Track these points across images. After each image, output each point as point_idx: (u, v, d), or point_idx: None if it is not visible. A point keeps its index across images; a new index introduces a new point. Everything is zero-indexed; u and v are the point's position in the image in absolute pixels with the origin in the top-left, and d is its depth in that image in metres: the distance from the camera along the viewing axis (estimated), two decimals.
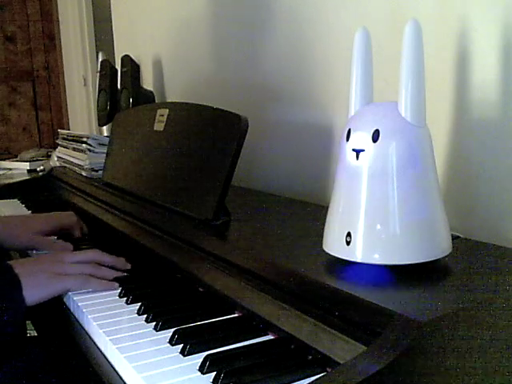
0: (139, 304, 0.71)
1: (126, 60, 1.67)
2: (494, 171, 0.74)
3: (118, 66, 1.73)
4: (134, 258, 0.90)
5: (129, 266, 0.86)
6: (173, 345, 0.60)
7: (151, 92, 1.74)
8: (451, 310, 0.49)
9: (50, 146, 2.74)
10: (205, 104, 0.95)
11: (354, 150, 0.59)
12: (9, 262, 0.80)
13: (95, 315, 0.70)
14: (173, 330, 0.62)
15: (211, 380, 0.52)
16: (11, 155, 2.61)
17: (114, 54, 2.15)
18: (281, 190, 1.12)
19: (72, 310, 0.76)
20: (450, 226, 0.61)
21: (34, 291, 0.75)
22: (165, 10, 1.70)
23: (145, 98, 1.66)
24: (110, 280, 0.81)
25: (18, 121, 3.77)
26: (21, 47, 3.77)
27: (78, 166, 1.46)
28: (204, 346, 0.59)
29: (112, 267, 0.84)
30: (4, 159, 2.39)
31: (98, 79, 1.83)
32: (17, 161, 2.31)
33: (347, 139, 0.60)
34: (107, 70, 1.74)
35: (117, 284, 0.79)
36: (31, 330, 0.87)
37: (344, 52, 0.96)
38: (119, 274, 0.83)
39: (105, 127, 1.85)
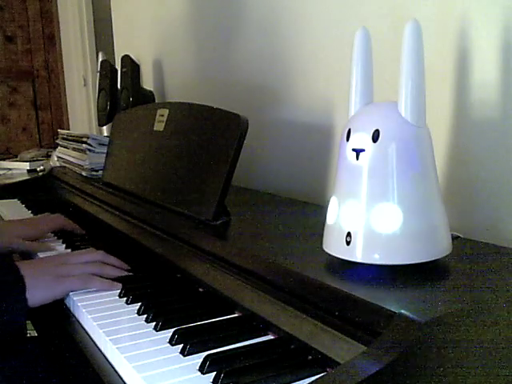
0: (139, 304, 0.71)
1: (126, 60, 1.68)
2: (493, 171, 0.74)
3: (118, 66, 1.73)
4: (134, 258, 0.90)
5: (125, 273, 0.85)
6: (173, 345, 0.60)
7: (151, 92, 1.74)
8: (451, 310, 0.49)
9: (50, 146, 2.74)
10: (205, 104, 0.95)
11: (354, 149, 0.59)
12: (16, 262, 0.80)
13: (95, 315, 0.70)
14: (173, 330, 0.62)
15: (211, 380, 0.52)
16: (11, 155, 2.60)
17: (114, 53, 2.15)
18: (281, 189, 1.12)
19: (72, 310, 0.76)
20: (450, 226, 0.61)
21: (37, 293, 0.75)
22: (165, 10, 1.70)
23: (145, 98, 1.66)
24: (113, 279, 0.81)
25: (17, 121, 3.77)
26: (21, 47, 3.76)
27: (78, 166, 1.46)
28: (204, 346, 0.59)
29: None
30: (4, 159, 2.39)
31: (98, 79, 1.83)
32: (17, 161, 2.31)
33: (347, 139, 0.60)
34: (107, 70, 1.74)
35: (120, 284, 0.79)
36: (31, 329, 0.87)
37: (344, 52, 0.96)
38: (123, 273, 0.83)
39: (105, 127, 1.85)
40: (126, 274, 0.84)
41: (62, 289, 0.78)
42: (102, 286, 0.79)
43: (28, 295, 0.74)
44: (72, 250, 0.99)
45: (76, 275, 0.80)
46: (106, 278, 0.81)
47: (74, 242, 1.04)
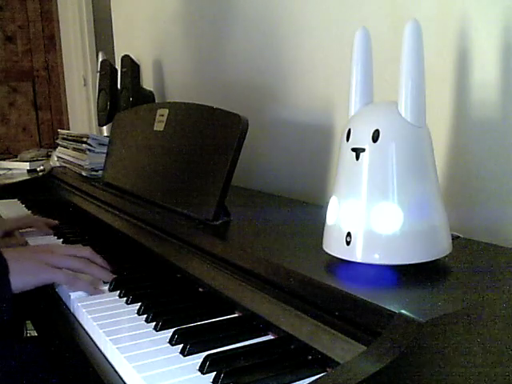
0: (139, 304, 0.71)
1: (126, 60, 1.67)
2: (494, 171, 0.74)
3: (118, 66, 1.73)
4: (134, 258, 0.90)
5: (112, 277, 0.82)
6: (173, 345, 0.60)
7: (151, 92, 1.74)
8: (451, 310, 0.49)
9: (50, 146, 2.74)
10: (205, 104, 0.95)
11: (353, 149, 0.59)
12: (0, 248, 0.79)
13: (95, 315, 0.70)
14: (173, 330, 0.62)
15: (211, 380, 0.52)
16: (11, 155, 2.60)
17: (114, 53, 2.15)
18: (281, 189, 1.12)
19: (72, 310, 0.76)
20: (450, 226, 0.61)
21: (20, 277, 0.74)
22: (164, 10, 1.70)
23: (145, 98, 1.66)
24: (99, 277, 0.81)
25: (17, 121, 3.77)
26: (21, 47, 3.76)
27: (78, 166, 1.46)
28: (204, 346, 0.59)
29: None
30: (4, 159, 2.39)
31: (98, 79, 1.83)
32: (17, 161, 2.31)
33: (347, 139, 0.60)
34: (107, 70, 1.74)
35: (104, 288, 0.78)
36: (31, 329, 0.87)
37: (344, 52, 0.96)
38: (108, 273, 0.82)
39: (105, 127, 1.85)
40: (110, 275, 0.82)
41: (47, 277, 0.77)
42: (86, 290, 0.77)
43: (11, 279, 0.72)
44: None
45: (62, 268, 0.79)
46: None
47: (74, 243, 1.04)
